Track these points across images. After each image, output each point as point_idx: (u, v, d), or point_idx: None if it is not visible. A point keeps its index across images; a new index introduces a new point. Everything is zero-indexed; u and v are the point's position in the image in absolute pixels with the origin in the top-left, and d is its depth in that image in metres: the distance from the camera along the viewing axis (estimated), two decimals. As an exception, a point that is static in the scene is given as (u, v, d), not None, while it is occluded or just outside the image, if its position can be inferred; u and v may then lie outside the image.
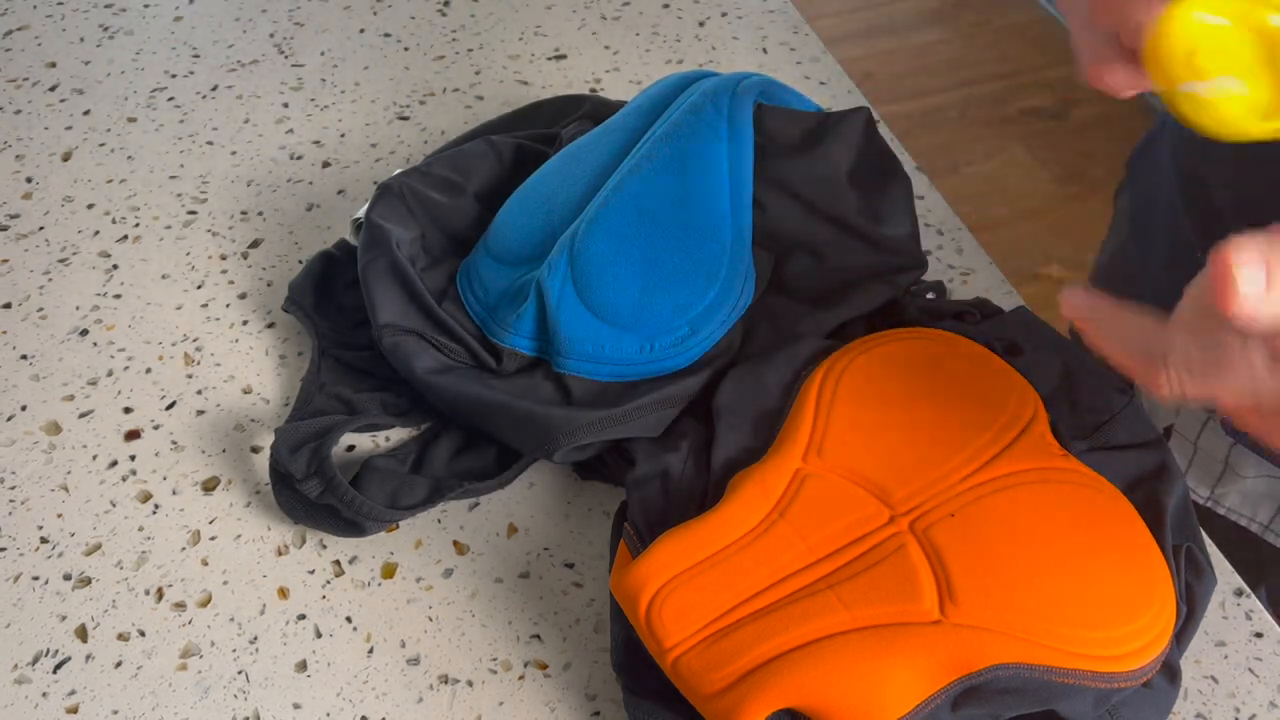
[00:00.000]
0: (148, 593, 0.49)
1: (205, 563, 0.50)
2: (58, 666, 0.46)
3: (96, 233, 0.65)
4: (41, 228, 0.65)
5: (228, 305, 0.61)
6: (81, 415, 0.55)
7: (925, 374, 0.49)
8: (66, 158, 0.70)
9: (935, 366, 0.49)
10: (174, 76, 0.76)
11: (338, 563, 0.50)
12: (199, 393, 0.57)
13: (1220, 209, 0.55)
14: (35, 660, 0.46)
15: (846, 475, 0.46)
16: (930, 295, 0.57)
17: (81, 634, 0.47)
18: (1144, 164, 0.67)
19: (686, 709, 0.42)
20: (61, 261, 0.63)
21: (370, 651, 0.47)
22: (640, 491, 0.48)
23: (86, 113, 0.73)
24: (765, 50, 0.79)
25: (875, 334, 0.51)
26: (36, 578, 0.49)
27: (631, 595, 0.42)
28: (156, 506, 0.52)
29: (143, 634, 0.47)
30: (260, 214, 0.66)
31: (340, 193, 0.68)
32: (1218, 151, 0.55)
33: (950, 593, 0.41)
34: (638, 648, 0.44)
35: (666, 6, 0.83)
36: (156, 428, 0.55)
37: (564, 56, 0.78)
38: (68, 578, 0.49)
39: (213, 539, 0.51)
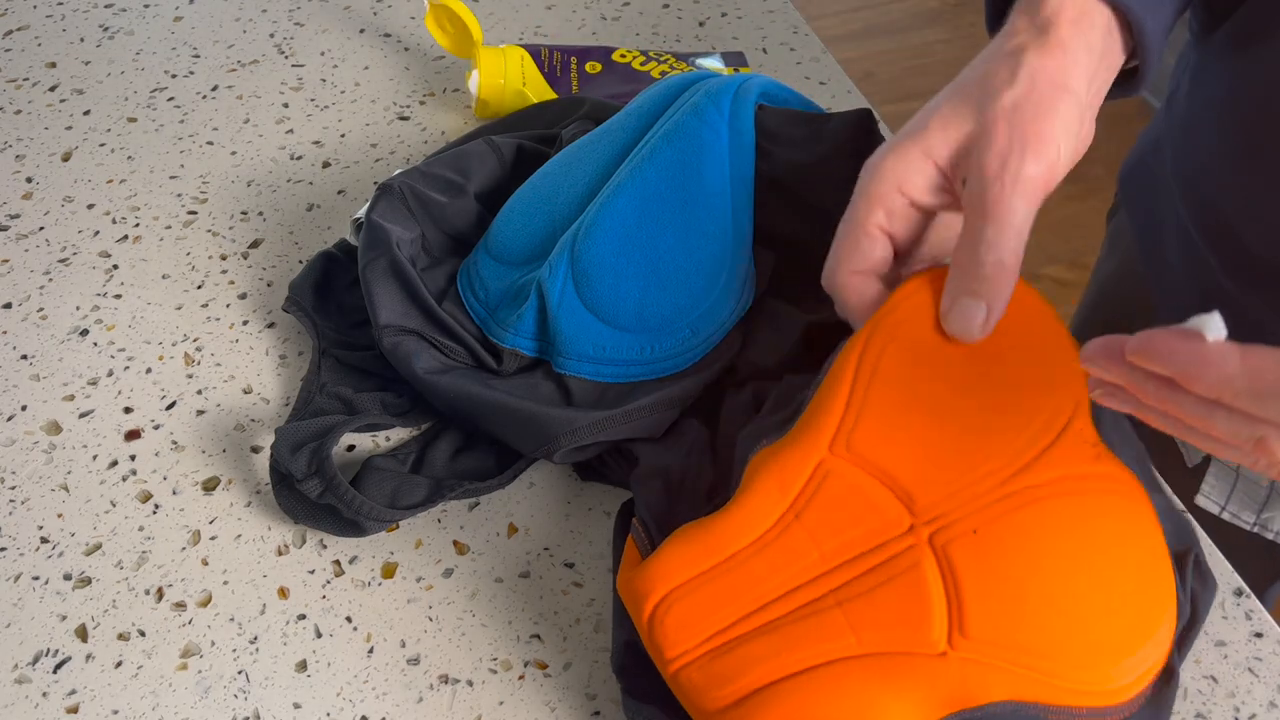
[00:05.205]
0: (148, 593, 0.49)
1: (205, 563, 0.50)
2: (58, 666, 0.46)
3: (96, 233, 0.65)
4: (42, 228, 0.65)
5: (228, 305, 0.61)
6: (82, 415, 0.56)
7: (982, 343, 0.43)
8: (66, 158, 0.70)
9: (996, 332, 0.43)
10: (174, 76, 0.76)
11: (338, 563, 0.50)
12: (199, 393, 0.57)
13: (1235, 226, 0.54)
14: (35, 660, 0.46)
15: (872, 472, 0.42)
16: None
17: (81, 634, 0.47)
18: (1140, 183, 0.67)
19: (684, 713, 0.42)
20: (61, 261, 0.63)
21: (370, 651, 0.47)
22: (646, 487, 0.47)
23: (86, 113, 0.73)
24: (765, 50, 0.79)
25: (940, 270, 0.44)
26: (37, 578, 0.49)
27: (636, 601, 0.42)
28: (156, 506, 0.52)
29: (143, 634, 0.47)
30: (260, 214, 0.66)
31: (340, 193, 0.68)
32: (1221, 165, 0.55)
33: (961, 623, 0.39)
34: (638, 651, 0.44)
35: (666, 7, 0.83)
36: (157, 428, 0.55)
37: (564, 56, 0.78)
38: (68, 578, 0.49)
39: (213, 539, 0.51)
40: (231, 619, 0.48)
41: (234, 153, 0.70)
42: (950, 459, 0.42)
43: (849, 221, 0.44)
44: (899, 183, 0.42)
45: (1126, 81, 0.47)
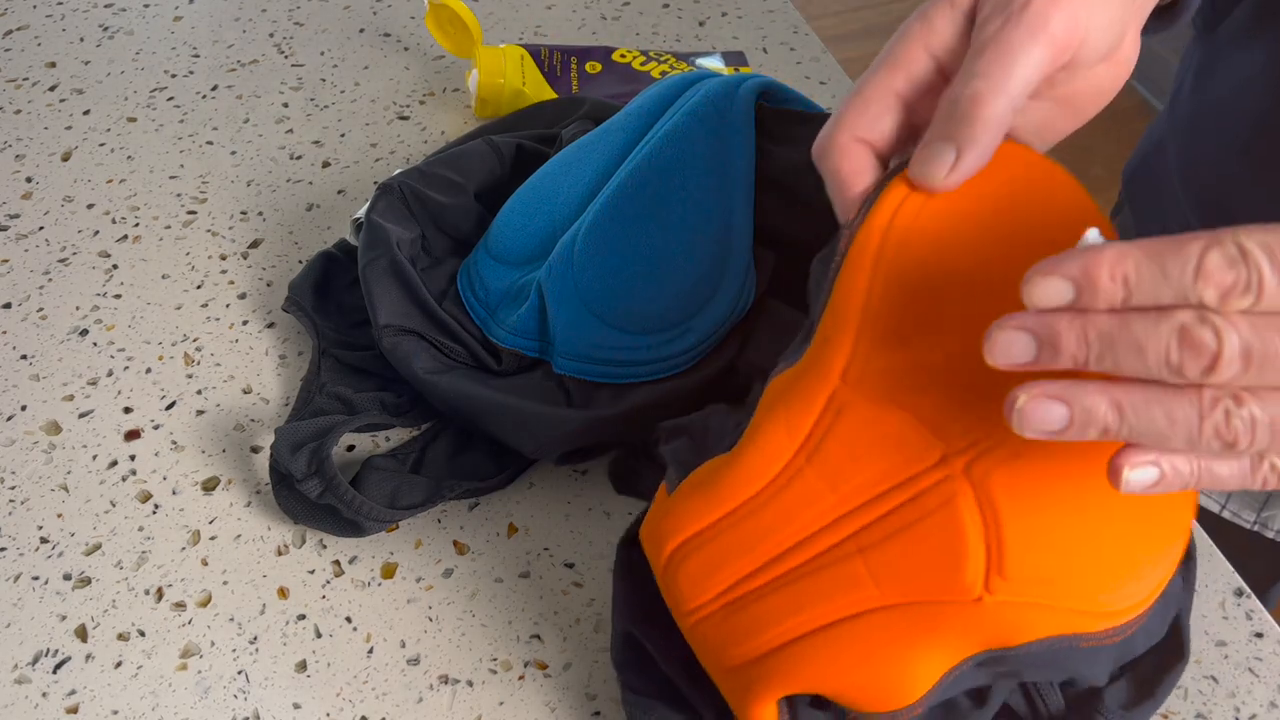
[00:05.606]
0: (148, 593, 0.49)
1: (205, 563, 0.50)
2: (58, 666, 0.46)
3: (96, 233, 0.65)
4: (41, 228, 0.65)
5: (228, 305, 0.61)
6: (81, 415, 0.55)
7: (1017, 225, 0.36)
8: (66, 158, 0.70)
9: (1029, 207, 0.37)
10: (174, 76, 0.76)
11: (338, 563, 0.50)
12: (199, 393, 0.57)
13: (1239, 223, 0.54)
14: (35, 660, 0.46)
15: (894, 399, 0.35)
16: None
17: (81, 634, 0.47)
18: (1145, 182, 0.66)
19: (686, 707, 0.42)
20: (61, 261, 0.63)
21: (370, 651, 0.47)
22: (671, 444, 0.44)
23: (86, 113, 0.73)
24: (765, 50, 0.79)
25: None
26: (36, 578, 0.49)
27: (652, 552, 0.40)
28: (156, 506, 0.52)
29: (143, 634, 0.47)
30: (260, 214, 0.66)
31: (340, 193, 0.68)
32: (1232, 168, 0.55)
33: (1000, 563, 0.34)
34: (637, 645, 0.43)
35: (666, 6, 0.83)
36: (156, 428, 0.55)
37: (564, 56, 0.78)
38: (68, 578, 0.49)
39: (213, 539, 0.51)
40: (231, 619, 0.48)
41: (234, 152, 0.70)
42: (984, 372, 0.34)
43: (861, 85, 0.38)
44: (926, 41, 0.37)
45: (1164, 15, 0.44)
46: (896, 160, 0.38)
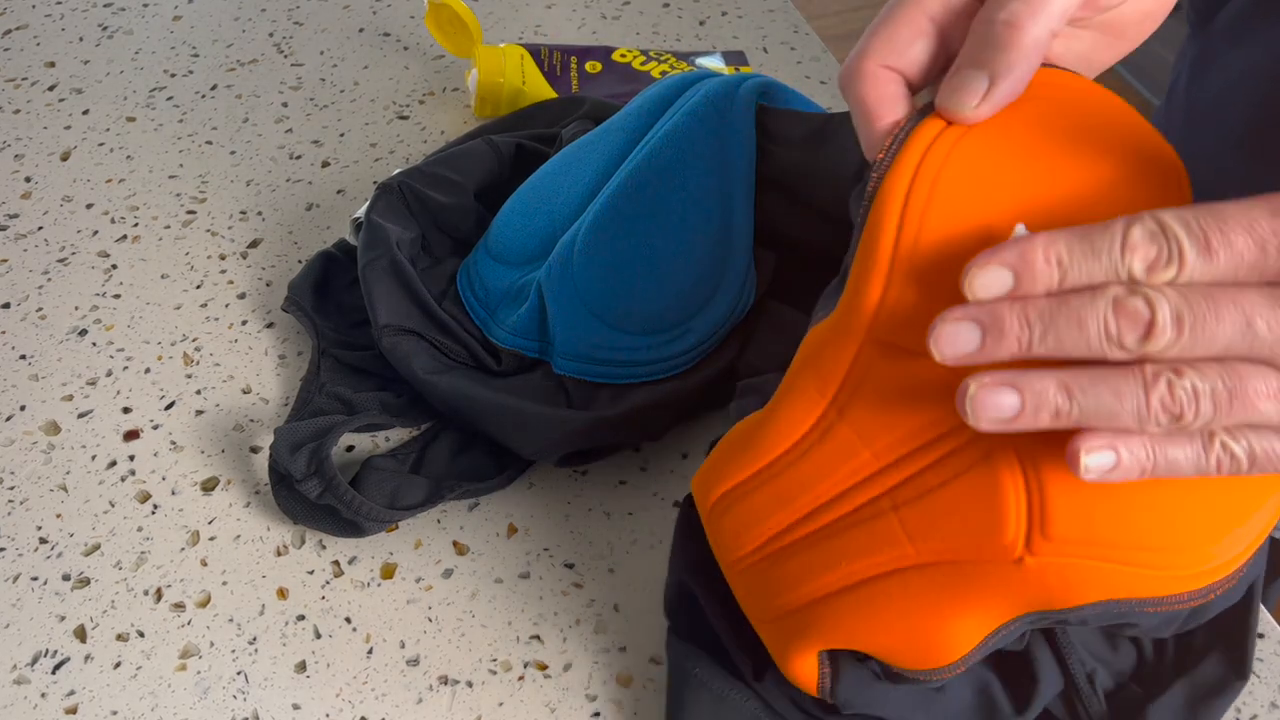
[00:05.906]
0: (147, 593, 0.49)
1: (204, 563, 0.50)
2: (57, 667, 0.46)
3: (95, 233, 0.65)
4: (40, 228, 0.65)
5: (227, 305, 0.61)
6: (80, 415, 0.55)
7: (1063, 157, 0.34)
8: (65, 157, 0.70)
9: (1076, 141, 0.34)
10: (173, 76, 0.76)
11: (337, 563, 0.50)
12: (198, 393, 0.56)
13: None
14: (34, 660, 0.46)
15: (926, 350, 0.32)
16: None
17: (80, 634, 0.47)
18: None
19: (726, 659, 0.41)
20: (60, 261, 0.63)
21: (370, 652, 0.47)
22: (741, 404, 0.44)
23: (86, 112, 0.73)
24: (765, 50, 0.79)
25: None
26: (35, 578, 0.49)
27: (700, 502, 0.39)
28: (155, 507, 0.52)
29: (142, 634, 0.47)
30: (259, 214, 0.66)
31: (340, 192, 0.68)
32: (1228, 163, 0.55)
33: (1042, 522, 0.32)
34: (689, 594, 0.43)
35: (666, 6, 0.83)
36: (156, 428, 0.55)
37: (564, 56, 0.78)
38: (66, 578, 0.49)
39: (212, 539, 0.50)
40: (230, 620, 0.48)
41: (233, 152, 0.70)
42: None
43: (890, 8, 0.35)
44: None
45: None
46: (928, 95, 0.35)
